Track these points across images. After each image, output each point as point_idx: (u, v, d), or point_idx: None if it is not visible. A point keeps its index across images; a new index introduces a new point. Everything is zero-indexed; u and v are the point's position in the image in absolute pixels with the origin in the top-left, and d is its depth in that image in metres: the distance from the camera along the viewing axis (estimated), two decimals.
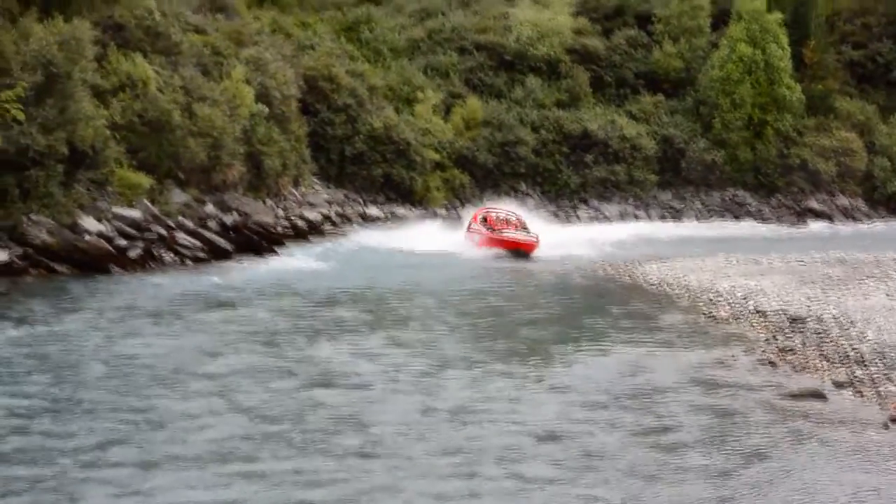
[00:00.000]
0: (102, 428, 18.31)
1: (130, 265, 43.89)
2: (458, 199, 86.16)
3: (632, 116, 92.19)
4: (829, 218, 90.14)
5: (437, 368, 24.88)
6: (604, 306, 37.97)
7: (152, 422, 19.06)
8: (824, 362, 25.86)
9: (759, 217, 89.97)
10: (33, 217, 42.20)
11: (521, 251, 53.44)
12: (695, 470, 17.54)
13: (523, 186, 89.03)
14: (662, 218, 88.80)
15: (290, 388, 22.41)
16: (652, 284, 42.82)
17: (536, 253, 53.27)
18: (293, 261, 49.04)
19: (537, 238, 54.40)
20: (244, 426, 19.22)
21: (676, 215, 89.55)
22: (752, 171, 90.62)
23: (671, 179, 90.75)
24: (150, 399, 20.78)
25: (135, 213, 47.59)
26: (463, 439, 18.55)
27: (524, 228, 56.79)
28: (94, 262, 42.42)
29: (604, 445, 18.80)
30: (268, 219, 58.78)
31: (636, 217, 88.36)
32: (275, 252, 51.15)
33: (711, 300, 36.75)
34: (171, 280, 41.30)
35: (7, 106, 40.36)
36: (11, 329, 28.60)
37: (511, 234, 55.45)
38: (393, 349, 27.26)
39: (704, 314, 34.42)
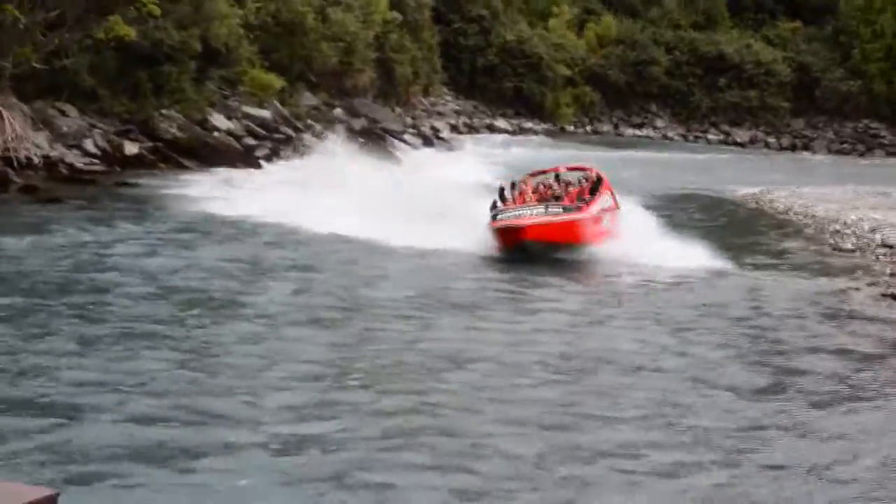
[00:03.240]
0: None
1: (256, 164, 43.65)
2: (587, 116, 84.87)
3: (768, 41, 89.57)
4: None
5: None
6: (728, 231, 36.77)
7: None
8: None
9: (892, 150, 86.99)
10: (164, 112, 42.11)
11: (522, 244, 26.53)
12: (808, 413, 16.52)
13: (653, 107, 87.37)
14: (793, 146, 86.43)
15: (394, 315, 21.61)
16: (779, 213, 41.42)
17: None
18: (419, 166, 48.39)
19: (585, 218, 28.01)
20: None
21: (807, 144, 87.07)
22: (887, 103, 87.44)
23: (804, 107, 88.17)
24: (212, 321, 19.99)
25: (264, 114, 47.31)
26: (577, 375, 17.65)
27: (580, 201, 28.80)
28: (221, 159, 42.24)
29: (717, 378, 17.84)
30: (395, 126, 58.16)
31: (767, 144, 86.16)
32: (398, 159, 50.75)
33: (837, 231, 35.27)
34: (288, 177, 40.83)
35: (143, 0, 40.04)
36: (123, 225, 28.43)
37: (513, 213, 27.73)
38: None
39: (830, 244, 33.03)
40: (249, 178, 39.93)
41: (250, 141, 44.98)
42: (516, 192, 29.64)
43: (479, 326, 20.02)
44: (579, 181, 30.53)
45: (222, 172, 40.00)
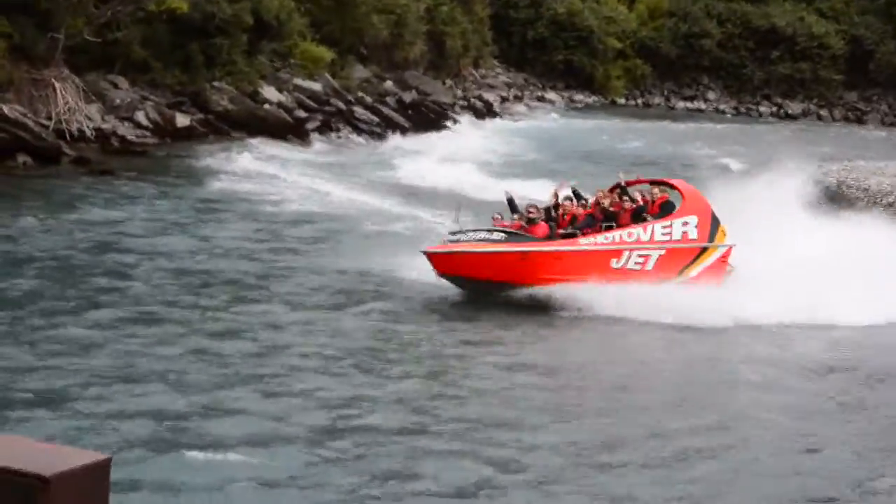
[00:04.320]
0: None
1: (306, 136, 43.41)
2: (638, 89, 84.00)
3: (821, 14, 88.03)
4: None
5: None
6: None
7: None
8: None
9: None
10: (216, 84, 41.90)
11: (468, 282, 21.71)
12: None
13: (705, 80, 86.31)
14: (846, 119, 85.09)
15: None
16: (832, 186, 40.62)
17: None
18: (470, 138, 48.24)
19: (539, 253, 21.69)
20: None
21: (860, 117, 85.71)
22: None
23: (857, 80, 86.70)
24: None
25: (315, 86, 47.04)
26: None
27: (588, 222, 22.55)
28: (272, 132, 41.99)
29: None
30: (446, 98, 57.68)
31: (819, 117, 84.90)
32: (447, 128, 50.56)
33: (890, 204, 34.53)
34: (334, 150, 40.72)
35: None
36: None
37: (455, 237, 22.02)
38: None
39: (883, 218, 32.30)
40: (298, 153, 39.71)
41: (301, 113, 44.72)
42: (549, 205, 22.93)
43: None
44: (644, 196, 23.25)
45: (271, 146, 39.78)
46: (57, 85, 35.05)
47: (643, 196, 23.06)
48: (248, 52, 43.61)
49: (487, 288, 21.10)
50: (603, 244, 21.89)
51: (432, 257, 20.95)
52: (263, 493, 11.35)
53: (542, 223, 21.91)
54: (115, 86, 39.07)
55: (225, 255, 22.23)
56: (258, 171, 34.14)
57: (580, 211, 22.61)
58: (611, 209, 22.52)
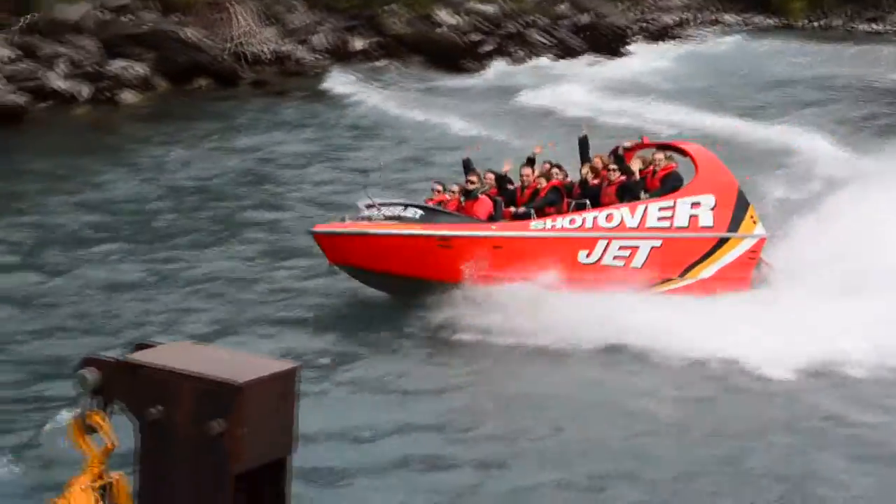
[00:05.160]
0: None
1: (480, 59, 42.74)
2: (818, 10, 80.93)
3: None
4: None
5: None
6: None
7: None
8: None
9: None
10: (390, 7, 41.49)
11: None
12: None
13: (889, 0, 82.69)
14: None
15: None
16: None
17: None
18: (637, 62, 46.86)
19: (455, 238, 16.11)
20: None
21: None
22: None
23: None
24: None
25: (489, 9, 46.15)
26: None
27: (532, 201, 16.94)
28: (446, 55, 41.47)
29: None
30: (621, 21, 56.18)
31: None
32: (622, 54, 49.28)
33: None
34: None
35: None
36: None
37: (366, 214, 16.46)
38: None
39: None
40: (468, 79, 39.13)
41: (475, 37, 43.99)
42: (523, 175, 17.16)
43: None
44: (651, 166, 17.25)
45: (443, 71, 39.22)
46: (234, 8, 35.09)
47: (647, 165, 17.17)
48: None
49: (399, 285, 15.92)
50: (566, 230, 16.27)
51: (320, 240, 15.70)
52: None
53: (484, 198, 16.44)
54: (292, 9, 38.96)
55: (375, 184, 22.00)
56: (423, 97, 33.70)
57: (544, 182, 16.87)
58: (593, 182, 16.91)
